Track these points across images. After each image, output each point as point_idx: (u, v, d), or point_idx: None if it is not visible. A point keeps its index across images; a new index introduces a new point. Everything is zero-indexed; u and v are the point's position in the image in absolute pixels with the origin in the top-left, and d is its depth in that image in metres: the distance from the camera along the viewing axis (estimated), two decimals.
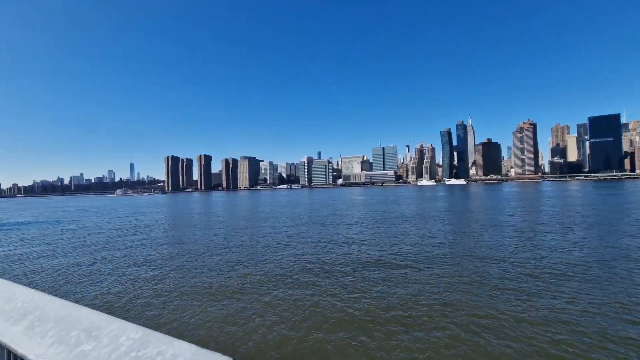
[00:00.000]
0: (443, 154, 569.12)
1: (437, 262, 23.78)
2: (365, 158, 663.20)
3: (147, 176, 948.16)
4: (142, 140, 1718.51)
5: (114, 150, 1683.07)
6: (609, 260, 22.45)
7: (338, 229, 43.21)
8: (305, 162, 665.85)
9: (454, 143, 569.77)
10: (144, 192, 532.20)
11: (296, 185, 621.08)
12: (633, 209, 54.55)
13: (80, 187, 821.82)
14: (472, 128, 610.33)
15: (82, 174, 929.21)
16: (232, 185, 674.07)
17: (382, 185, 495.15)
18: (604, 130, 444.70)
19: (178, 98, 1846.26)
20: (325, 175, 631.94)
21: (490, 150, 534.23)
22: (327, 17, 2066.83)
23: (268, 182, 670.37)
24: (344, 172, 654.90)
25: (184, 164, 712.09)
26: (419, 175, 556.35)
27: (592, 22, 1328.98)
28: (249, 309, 16.20)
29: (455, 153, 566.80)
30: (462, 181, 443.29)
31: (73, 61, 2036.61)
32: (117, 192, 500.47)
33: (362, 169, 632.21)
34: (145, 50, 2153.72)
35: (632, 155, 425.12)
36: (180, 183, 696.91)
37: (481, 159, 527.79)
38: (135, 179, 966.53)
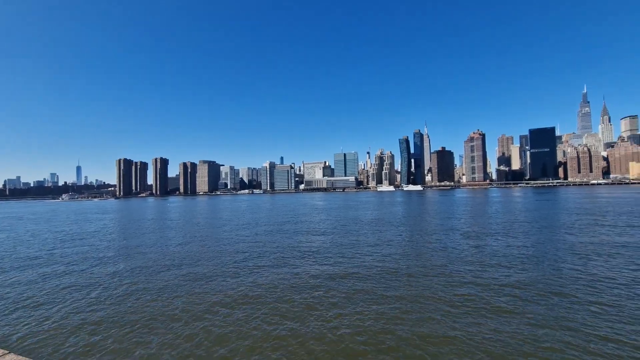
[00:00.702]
0: (401, 161, 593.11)
1: (394, 274, 23.67)
2: (327, 164, 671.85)
3: (96, 180, 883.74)
4: (90, 142, 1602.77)
5: (57, 153, 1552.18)
6: (545, 256, 26.26)
7: (297, 238, 41.91)
8: (268, 167, 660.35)
9: (412, 150, 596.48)
10: (94, 197, 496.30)
11: (258, 190, 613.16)
12: (563, 212, 62.01)
13: (17, 192, 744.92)
14: (428, 137, 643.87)
15: (19, 177, 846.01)
16: (191, 190, 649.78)
17: (343, 190, 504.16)
18: (542, 141, 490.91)
19: (131, 99, 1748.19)
20: (288, 180, 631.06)
21: (444, 158, 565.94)
22: (289, 22, 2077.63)
23: (229, 187, 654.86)
24: (306, 177, 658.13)
25: (138, 167, 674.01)
26: (379, 181, 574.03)
27: (532, 45, 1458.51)
28: (198, 338, 14.53)
29: (412, 160, 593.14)
30: (418, 187, 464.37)
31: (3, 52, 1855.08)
32: (63, 196, 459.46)
33: (324, 175, 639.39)
34: (90, 45, 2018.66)
35: (564, 164, 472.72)
36: (134, 187, 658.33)
37: (436, 166, 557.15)
38: (83, 183, 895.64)
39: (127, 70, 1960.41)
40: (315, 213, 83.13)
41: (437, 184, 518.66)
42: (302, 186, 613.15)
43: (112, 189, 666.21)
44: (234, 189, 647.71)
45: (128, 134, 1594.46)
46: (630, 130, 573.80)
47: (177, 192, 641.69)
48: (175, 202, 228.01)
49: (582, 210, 67.18)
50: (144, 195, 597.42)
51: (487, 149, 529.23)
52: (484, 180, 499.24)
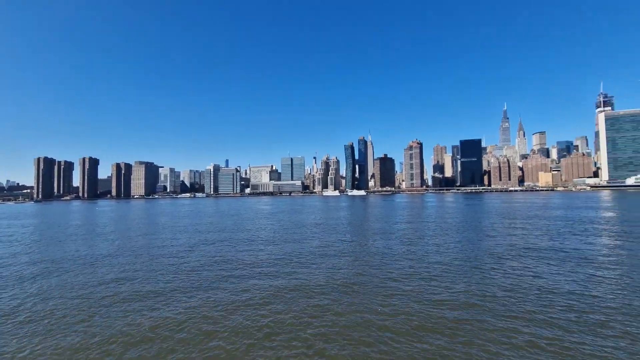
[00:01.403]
0: (346, 166, 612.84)
1: (338, 280, 24.35)
2: (274, 168, 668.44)
3: (8, 181, 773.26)
4: None
5: None
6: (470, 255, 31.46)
7: (240, 247, 38.47)
8: (212, 170, 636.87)
9: (356, 157, 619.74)
10: (7, 200, 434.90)
11: (201, 194, 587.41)
12: (486, 215, 71.49)
13: None
14: (372, 144, 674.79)
15: None
16: (124, 194, 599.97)
17: (290, 194, 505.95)
18: (470, 152, 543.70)
19: (56, 91, 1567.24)
20: (233, 184, 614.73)
21: (386, 165, 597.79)
22: (230, 22, 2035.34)
23: (168, 190, 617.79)
24: (253, 181, 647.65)
25: (62, 167, 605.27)
26: (325, 186, 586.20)
27: (462, 66, 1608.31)
28: None
29: (357, 166, 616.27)
30: (362, 192, 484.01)
31: None
32: None
33: (270, 179, 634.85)
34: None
35: (489, 173, 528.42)
36: (56, 189, 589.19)
37: (379, 172, 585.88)
38: None
39: (50, 58, 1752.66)
40: (260, 218, 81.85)
41: (380, 189, 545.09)
42: (248, 190, 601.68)
43: (28, 191, 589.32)
44: (174, 192, 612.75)
45: (51, 131, 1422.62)
46: (540, 144, 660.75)
47: (109, 196, 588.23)
48: (104, 206, 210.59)
49: (502, 213, 77.94)
50: (68, 198, 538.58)
51: (424, 157, 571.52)
52: (421, 186, 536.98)
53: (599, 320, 15.35)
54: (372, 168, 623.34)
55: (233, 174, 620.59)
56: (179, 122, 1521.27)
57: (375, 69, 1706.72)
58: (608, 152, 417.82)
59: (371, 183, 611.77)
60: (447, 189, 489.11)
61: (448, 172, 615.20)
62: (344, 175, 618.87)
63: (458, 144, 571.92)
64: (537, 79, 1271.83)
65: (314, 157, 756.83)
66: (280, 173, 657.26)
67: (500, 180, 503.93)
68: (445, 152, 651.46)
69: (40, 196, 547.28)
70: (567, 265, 25.37)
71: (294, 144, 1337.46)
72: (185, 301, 19.78)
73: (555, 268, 24.67)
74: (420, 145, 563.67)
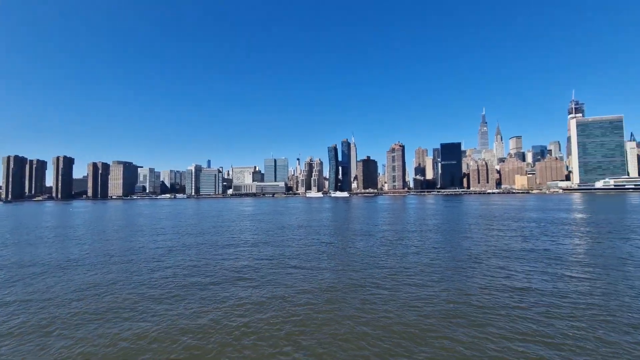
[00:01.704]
0: (330, 168, 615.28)
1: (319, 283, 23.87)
2: (257, 169, 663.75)
3: None
4: None
5: None
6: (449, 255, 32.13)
7: (221, 251, 36.93)
8: (193, 170, 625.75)
9: (340, 159, 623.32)
10: None
11: (181, 195, 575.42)
12: (464, 217, 73.33)
13: None
14: (355, 146, 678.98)
15: None
16: (101, 194, 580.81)
17: (273, 196, 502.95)
18: (451, 155, 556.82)
19: (28, 88, 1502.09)
20: (215, 184, 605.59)
21: (369, 167, 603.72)
22: (215, 22, 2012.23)
23: (147, 191, 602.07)
24: (235, 182, 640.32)
25: (34, 166, 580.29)
26: (308, 188, 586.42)
27: (445, 72, 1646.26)
28: None
29: (340, 168, 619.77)
30: (345, 194, 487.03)
31: None
32: None
33: (253, 180, 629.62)
34: None
35: (468, 175, 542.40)
36: (27, 190, 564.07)
37: (362, 174, 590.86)
38: None
39: (22, 54, 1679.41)
40: (242, 220, 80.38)
41: (363, 190, 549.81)
42: (230, 191, 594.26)
43: None
44: (154, 193, 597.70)
45: (22, 129, 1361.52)
46: (516, 148, 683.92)
47: (85, 196, 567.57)
48: (79, 207, 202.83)
49: (480, 215, 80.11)
50: (40, 198, 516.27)
51: (406, 160, 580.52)
52: (403, 188, 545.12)
53: (567, 313, 16.09)
54: (355, 170, 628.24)
55: (215, 175, 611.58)
56: (159, 122, 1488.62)
57: (361, 72, 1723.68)
58: (579, 157, 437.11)
59: (354, 184, 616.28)
60: (428, 191, 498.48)
61: (429, 175, 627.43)
62: (328, 177, 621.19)
63: (439, 147, 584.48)
64: (514, 86, 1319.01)
65: (298, 159, 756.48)
66: (263, 174, 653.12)
67: (479, 182, 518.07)
68: (427, 155, 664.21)
69: (10, 197, 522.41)
70: (539, 265, 26.41)
71: (277, 145, 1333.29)
72: (158, 310, 18.54)
73: (527, 267, 25.65)
74: (403, 147, 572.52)
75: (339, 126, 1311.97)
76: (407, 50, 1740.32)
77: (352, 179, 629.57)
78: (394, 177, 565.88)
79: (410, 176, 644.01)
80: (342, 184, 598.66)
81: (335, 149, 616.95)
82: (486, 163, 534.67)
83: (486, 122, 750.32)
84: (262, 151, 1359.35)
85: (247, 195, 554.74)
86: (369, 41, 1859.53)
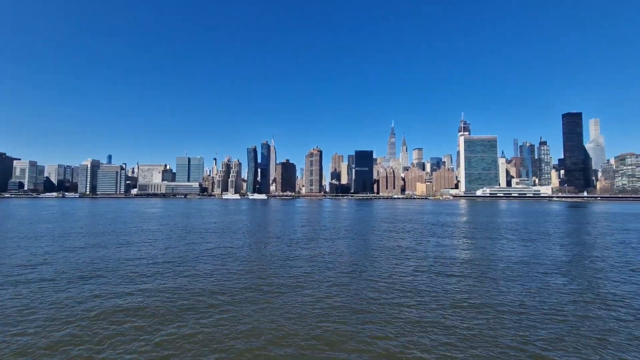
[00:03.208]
0: (248, 169, 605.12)
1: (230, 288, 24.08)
2: (168, 167, 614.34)
3: None
4: None
5: None
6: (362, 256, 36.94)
7: (107, 254, 33.66)
8: (89, 166, 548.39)
9: (259, 160, 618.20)
10: None
11: (72, 193, 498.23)
12: (372, 219, 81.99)
13: None
14: (275, 149, 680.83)
15: None
16: None
17: (185, 197, 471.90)
18: (363, 162, 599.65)
19: None
20: (117, 183, 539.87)
21: (288, 170, 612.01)
22: (124, 9, 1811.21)
23: (26, 188, 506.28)
24: (141, 181, 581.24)
25: None
26: (225, 189, 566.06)
27: (360, 84, 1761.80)
28: None
29: (259, 170, 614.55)
30: (263, 196, 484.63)
31: None
32: None
33: (163, 179, 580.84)
34: None
35: (378, 182, 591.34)
36: None
37: (280, 176, 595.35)
38: None
39: None
40: (144, 222, 73.43)
41: (281, 193, 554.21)
42: (134, 191, 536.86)
43: None
44: (35, 190, 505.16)
45: None
46: (418, 158, 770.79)
47: None
48: None
49: (384, 218, 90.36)
50: None
51: (323, 165, 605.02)
52: (320, 192, 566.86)
53: (445, 305, 21.64)
54: (274, 172, 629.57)
55: (117, 172, 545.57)
56: (43, 106, 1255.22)
57: (283, 77, 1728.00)
58: (465, 169, 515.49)
59: (273, 187, 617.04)
60: (342, 195, 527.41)
61: (344, 180, 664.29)
62: (246, 179, 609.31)
63: (354, 154, 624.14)
64: (418, 102, 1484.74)
65: (215, 159, 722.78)
66: (174, 173, 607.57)
67: (387, 188, 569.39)
68: (342, 161, 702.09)
69: None
70: (425, 262, 32.79)
71: (193, 143, 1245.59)
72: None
73: (413, 263, 31.82)
74: (320, 153, 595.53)
75: (259, 128, 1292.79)
76: (327, 61, 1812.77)
77: (270, 181, 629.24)
78: (311, 180, 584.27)
79: (327, 180, 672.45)
80: (260, 186, 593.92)
81: (255, 151, 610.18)
82: (393, 171, 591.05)
83: (394, 134, 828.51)
84: (175, 149, 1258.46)
85: (155, 195, 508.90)
86: (291, 47, 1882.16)
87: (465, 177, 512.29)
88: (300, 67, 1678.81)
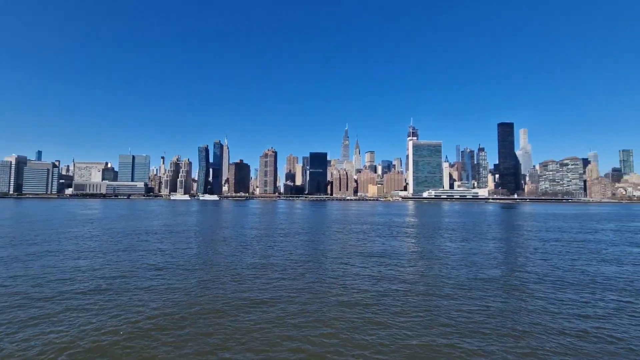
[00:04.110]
0: (199, 169, 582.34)
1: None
2: (109, 166, 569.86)
3: None
4: None
5: None
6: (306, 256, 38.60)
7: (32, 260, 30.33)
8: (13, 163, 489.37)
9: (211, 160, 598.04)
10: None
11: None
12: (325, 221, 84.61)
13: None
14: (228, 148, 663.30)
15: None
16: None
17: (128, 197, 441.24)
18: (318, 163, 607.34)
19: None
20: (48, 182, 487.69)
21: (242, 170, 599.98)
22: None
23: None
24: (78, 180, 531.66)
25: None
26: (174, 189, 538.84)
27: (312, 82, 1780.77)
28: None
29: (211, 170, 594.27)
30: (215, 197, 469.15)
31: None
32: None
33: (104, 178, 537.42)
34: None
35: (331, 183, 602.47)
36: None
37: (234, 177, 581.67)
38: None
39: None
40: (78, 225, 64.68)
41: (234, 194, 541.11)
42: (69, 190, 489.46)
43: None
44: None
45: None
46: (370, 161, 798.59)
47: None
48: None
49: (336, 220, 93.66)
50: None
51: (277, 166, 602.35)
52: (274, 193, 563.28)
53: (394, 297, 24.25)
54: (227, 173, 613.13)
55: (48, 170, 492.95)
56: None
57: (236, 74, 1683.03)
58: (413, 172, 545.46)
59: (225, 187, 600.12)
60: (296, 197, 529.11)
61: (298, 181, 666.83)
62: (197, 179, 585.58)
63: (308, 155, 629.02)
64: (371, 106, 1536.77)
65: (162, 157, 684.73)
66: (117, 172, 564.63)
67: (340, 190, 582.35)
68: (297, 162, 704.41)
69: None
70: (370, 262, 35.59)
71: (138, 140, 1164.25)
72: None
73: (359, 262, 34.46)
74: (275, 153, 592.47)
75: (212, 127, 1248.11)
76: (283, 64, 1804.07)
77: (223, 182, 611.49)
78: (265, 181, 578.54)
79: (281, 181, 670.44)
80: (212, 187, 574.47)
81: (207, 150, 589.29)
82: (347, 173, 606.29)
83: (348, 137, 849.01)
84: (118, 146, 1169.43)
85: (93, 196, 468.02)
86: (246, 48, 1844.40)
87: (414, 180, 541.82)
88: (255, 68, 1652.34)
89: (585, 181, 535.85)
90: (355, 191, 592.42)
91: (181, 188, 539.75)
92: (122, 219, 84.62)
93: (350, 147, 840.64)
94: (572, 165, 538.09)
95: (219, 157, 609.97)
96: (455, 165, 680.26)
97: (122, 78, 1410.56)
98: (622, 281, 24.08)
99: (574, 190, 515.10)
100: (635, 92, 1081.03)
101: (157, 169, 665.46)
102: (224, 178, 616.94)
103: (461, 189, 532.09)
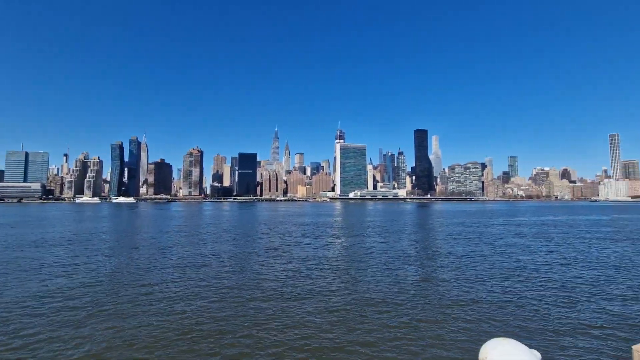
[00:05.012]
0: (112, 169, 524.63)
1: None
2: None
3: None
4: None
5: None
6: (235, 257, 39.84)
7: None
8: None
9: (126, 159, 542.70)
10: None
11: None
12: (254, 222, 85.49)
13: None
14: (147, 146, 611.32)
15: None
16: None
17: (19, 201, 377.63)
18: (247, 164, 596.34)
19: None
20: None
21: (163, 170, 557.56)
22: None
23: None
24: None
25: None
26: (80, 191, 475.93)
27: (242, 82, 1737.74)
28: None
29: (126, 169, 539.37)
30: (131, 199, 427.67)
31: None
32: None
33: None
34: None
35: (261, 184, 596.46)
36: None
37: (153, 178, 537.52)
38: None
39: None
40: None
41: (153, 196, 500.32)
42: None
43: None
44: None
45: None
46: (300, 162, 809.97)
47: None
48: None
49: (264, 221, 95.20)
50: None
51: (204, 166, 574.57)
52: (200, 194, 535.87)
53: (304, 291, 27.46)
54: (146, 173, 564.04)
55: None
56: None
57: (153, 64, 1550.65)
58: (340, 173, 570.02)
59: (143, 189, 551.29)
60: (224, 198, 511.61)
61: (226, 182, 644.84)
62: (109, 179, 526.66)
63: (237, 156, 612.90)
64: (301, 109, 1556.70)
65: (65, 155, 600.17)
66: (3, 171, 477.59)
67: (270, 191, 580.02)
68: (225, 163, 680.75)
69: None
70: (293, 262, 38.77)
71: (34, 135, 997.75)
72: None
73: (283, 261, 37.47)
74: (201, 153, 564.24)
75: (128, 123, 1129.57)
76: (214, 62, 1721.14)
77: (141, 183, 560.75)
78: (190, 182, 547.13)
79: (208, 182, 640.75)
80: (127, 188, 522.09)
81: (121, 148, 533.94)
82: (276, 174, 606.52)
83: (278, 138, 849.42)
84: (5, 141, 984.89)
85: None
86: (177, 41, 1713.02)
87: (341, 181, 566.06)
88: (181, 64, 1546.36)
89: (483, 182, 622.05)
90: (285, 192, 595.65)
91: (89, 190, 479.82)
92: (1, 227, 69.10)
93: (280, 148, 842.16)
94: (473, 168, 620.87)
95: (136, 156, 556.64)
96: (379, 168, 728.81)
97: (11, 62, 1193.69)
98: (511, 265, 31.25)
99: (475, 190, 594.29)
100: (521, 107, 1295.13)
101: (58, 169, 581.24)
102: (142, 179, 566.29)
103: (383, 189, 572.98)
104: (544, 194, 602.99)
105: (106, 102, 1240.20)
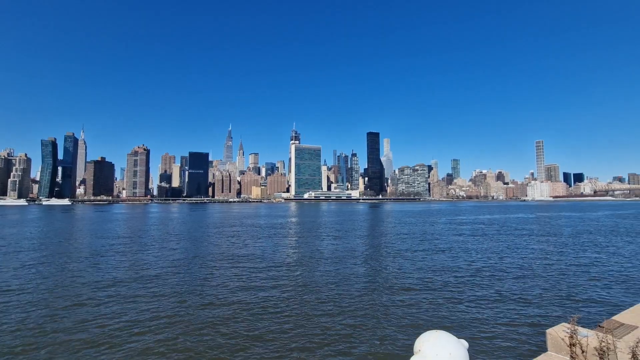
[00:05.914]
0: (43, 167, 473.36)
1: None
2: None
3: None
4: None
5: None
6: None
7: None
8: None
9: (61, 157, 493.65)
10: None
11: None
12: (204, 225, 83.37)
13: None
14: (85, 143, 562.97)
15: None
16: None
17: None
18: (198, 164, 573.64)
19: None
20: None
21: (104, 170, 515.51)
22: None
23: None
24: None
25: None
26: (2, 192, 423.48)
27: (195, 79, 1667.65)
28: None
29: (60, 168, 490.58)
30: (66, 201, 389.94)
31: None
32: None
33: None
34: None
35: (213, 185, 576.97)
36: None
37: (92, 178, 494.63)
38: None
39: None
40: None
41: (92, 197, 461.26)
42: None
43: None
44: None
45: None
46: (254, 163, 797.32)
47: None
48: None
49: (215, 223, 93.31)
50: None
51: (151, 165, 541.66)
52: (146, 195, 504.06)
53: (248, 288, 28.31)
54: (84, 172, 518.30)
55: None
56: None
57: (91, 52, 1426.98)
58: (295, 174, 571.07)
59: (80, 190, 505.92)
60: (173, 199, 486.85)
61: (175, 182, 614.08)
62: (39, 179, 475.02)
63: (187, 155, 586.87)
64: (255, 109, 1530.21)
65: None
66: None
67: (223, 192, 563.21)
68: (174, 162, 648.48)
69: None
70: (261, 264, 39.32)
71: None
72: None
73: (250, 264, 37.91)
74: (148, 151, 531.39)
75: (63, 117, 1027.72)
76: (165, 58, 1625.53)
77: (77, 184, 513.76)
78: (135, 183, 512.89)
79: (155, 183, 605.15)
80: (61, 189, 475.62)
81: (54, 144, 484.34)
82: (230, 174, 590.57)
83: (232, 137, 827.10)
84: None
85: None
86: (111, 30, 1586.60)
87: (296, 182, 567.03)
88: (126, 57, 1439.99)
89: (429, 184, 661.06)
90: (239, 193, 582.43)
91: (14, 191, 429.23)
92: None
93: (234, 148, 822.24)
94: (420, 170, 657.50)
95: (71, 154, 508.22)
96: (333, 169, 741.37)
97: None
98: (448, 263, 34.59)
99: (422, 191, 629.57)
100: (463, 113, 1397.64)
101: None
102: (79, 179, 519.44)
103: (337, 190, 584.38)
104: (482, 194, 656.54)
105: (37, 95, 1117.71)
